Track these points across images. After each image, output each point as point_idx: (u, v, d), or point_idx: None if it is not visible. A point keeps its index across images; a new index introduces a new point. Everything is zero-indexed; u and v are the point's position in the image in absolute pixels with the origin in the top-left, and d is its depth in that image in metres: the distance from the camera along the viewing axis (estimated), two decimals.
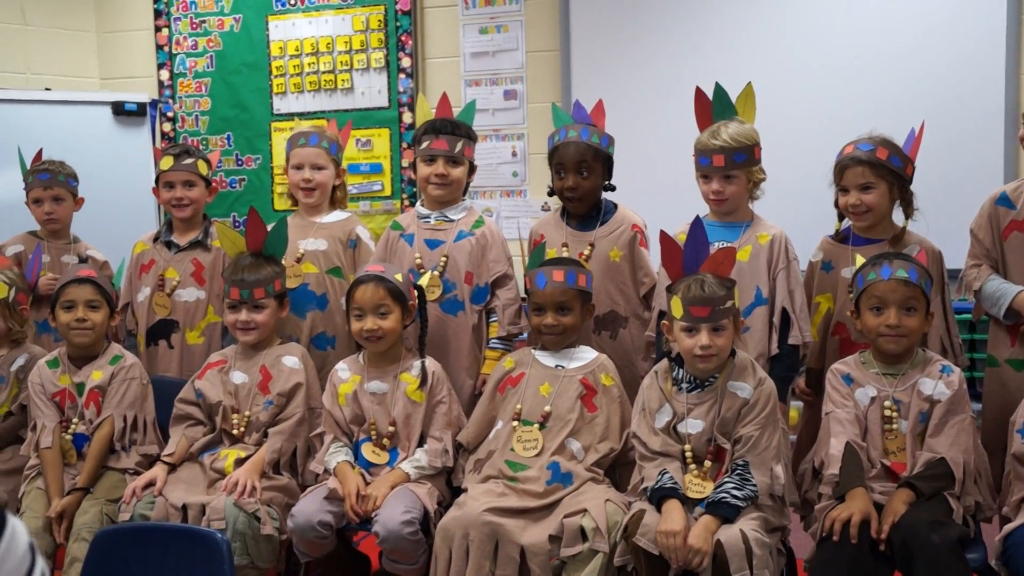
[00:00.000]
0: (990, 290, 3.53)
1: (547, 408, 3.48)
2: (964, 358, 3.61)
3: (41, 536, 3.50)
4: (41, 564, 1.22)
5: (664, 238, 3.37)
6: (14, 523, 1.18)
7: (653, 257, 3.72)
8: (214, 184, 4.38)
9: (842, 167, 3.56)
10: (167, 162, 4.20)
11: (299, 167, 4.09)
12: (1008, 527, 3.02)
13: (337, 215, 4.20)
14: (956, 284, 3.74)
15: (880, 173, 3.51)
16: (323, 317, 4.05)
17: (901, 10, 5.41)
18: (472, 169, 4.01)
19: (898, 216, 3.64)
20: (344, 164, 4.29)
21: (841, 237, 3.69)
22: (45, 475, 3.69)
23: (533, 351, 3.63)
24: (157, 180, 4.23)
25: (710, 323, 3.15)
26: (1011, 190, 3.60)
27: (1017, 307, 3.43)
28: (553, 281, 3.50)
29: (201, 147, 6.24)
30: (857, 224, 3.61)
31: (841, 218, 3.69)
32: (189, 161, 4.20)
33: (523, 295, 3.89)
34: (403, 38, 6.07)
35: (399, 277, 3.65)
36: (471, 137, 3.96)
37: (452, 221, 3.94)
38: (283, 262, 3.96)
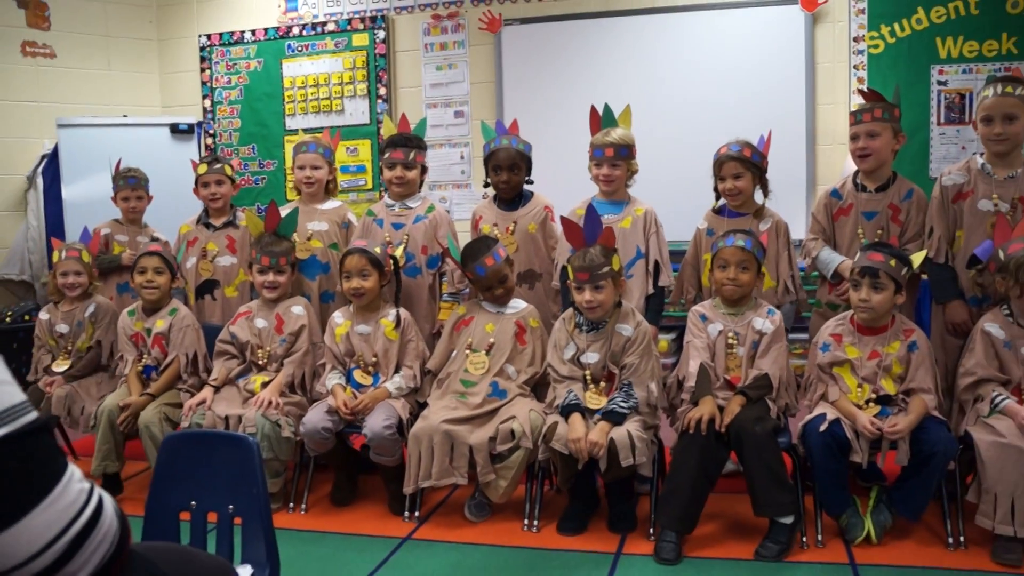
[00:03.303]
0: (823, 258, 3.60)
1: (491, 340, 3.54)
2: (803, 292, 3.66)
3: (116, 411, 3.68)
4: (96, 501, 1.15)
5: (564, 220, 3.43)
6: (72, 469, 1.14)
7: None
8: (238, 182, 4.39)
9: (720, 162, 3.61)
10: (203, 168, 4.22)
11: (302, 167, 4.09)
12: (806, 418, 3.16)
13: (332, 203, 4.19)
14: (800, 251, 3.83)
15: (747, 166, 3.57)
16: (327, 279, 4.07)
17: (732, 55, 5.47)
18: (424, 170, 4.03)
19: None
20: (337, 165, 4.31)
21: (719, 211, 3.73)
22: (129, 383, 3.83)
23: (480, 302, 3.67)
24: (197, 182, 4.24)
25: (590, 284, 3.22)
26: (839, 186, 3.67)
27: (840, 271, 3.51)
28: (487, 265, 3.52)
29: (232, 155, 6.28)
30: (731, 203, 3.66)
31: (717, 198, 3.72)
32: (219, 166, 4.22)
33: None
34: (380, 73, 6.05)
35: (378, 250, 3.68)
36: (422, 147, 3.96)
37: (411, 208, 3.95)
38: (296, 239, 3.99)
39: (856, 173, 3.63)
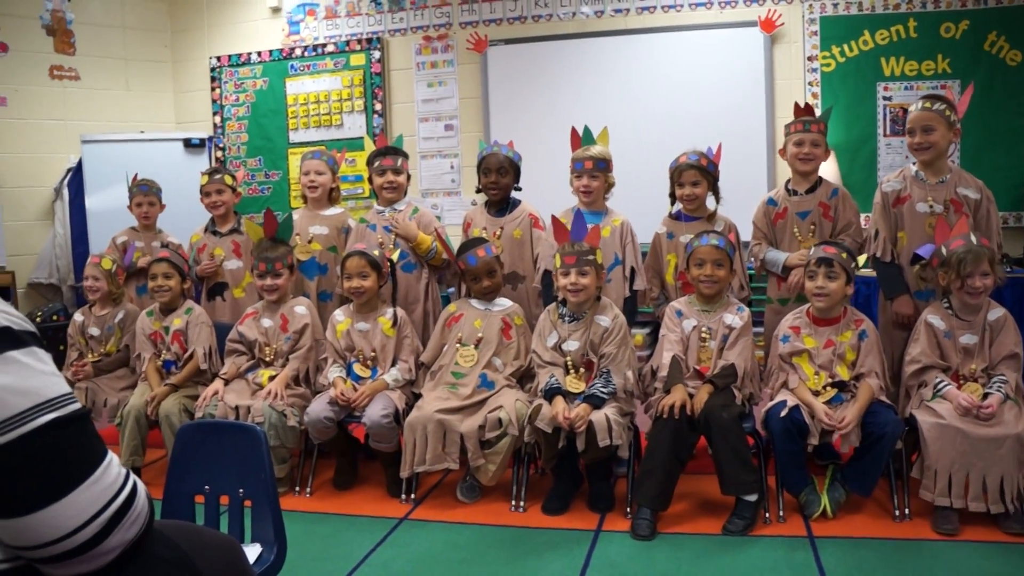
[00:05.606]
0: (769, 257, 3.62)
1: (480, 335, 3.51)
2: (748, 290, 3.66)
3: (142, 409, 3.63)
4: (132, 484, 1.18)
5: (554, 219, 3.44)
6: (112, 455, 1.17)
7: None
8: (238, 191, 4.33)
9: (680, 170, 3.60)
10: (204, 179, 4.20)
11: (307, 173, 4.08)
12: (768, 405, 3.15)
13: (335, 210, 4.16)
14: (748, 255, 3.82)
15: (703, 174, 3.57)
16: (325, 280, 4.04)
17: (698, 73, 5.46)
18: (408, 177, 4.01)
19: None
20: (339, 174, 4.29)
21: (676, 216, 3.72)
22: (149, 378, 3.79)
23: (469, 300, 3.64)
24: (201, 191, 4.22)
25: (576, 267, 3.22)
26: (774, 194, 3.70)
27: (788, 264, 3.53)
28: (479, 256, 3.52)
29: (241, 167, 6.22)
30: (687, 208, 3.64)
31: (672, 203, 3.71)
32: (218, 177, 4.19)
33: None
34: (376, 90, 6.01)
35: (376, 252, 3.65)
36: (405, 156, 3.96)
37: (399, 212, 3.92)
38: (298, 242, 3.95)
39: (788, 180, 3.67)
